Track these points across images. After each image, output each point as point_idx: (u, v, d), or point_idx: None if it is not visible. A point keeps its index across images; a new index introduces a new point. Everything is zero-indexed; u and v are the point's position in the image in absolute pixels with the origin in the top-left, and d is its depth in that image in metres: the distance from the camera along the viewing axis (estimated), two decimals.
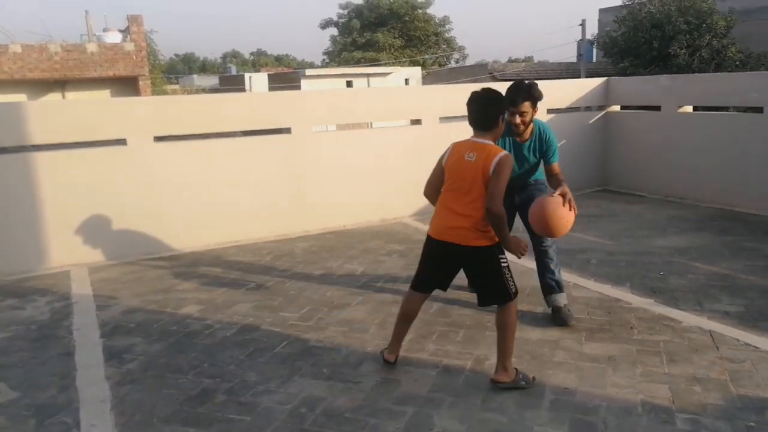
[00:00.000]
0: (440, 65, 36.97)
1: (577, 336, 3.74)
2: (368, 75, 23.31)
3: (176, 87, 33.80)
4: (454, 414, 2.92)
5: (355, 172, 6.76)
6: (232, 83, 26.75)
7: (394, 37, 36.47)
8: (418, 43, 37.21)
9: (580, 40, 24.60)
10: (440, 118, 7.22)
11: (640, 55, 19.44)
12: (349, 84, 22.19)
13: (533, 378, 3.16)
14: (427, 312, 4.18)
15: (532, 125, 3.88)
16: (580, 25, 24.53)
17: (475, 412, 2.93)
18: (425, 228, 6.48)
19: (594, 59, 24.89)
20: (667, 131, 7.57)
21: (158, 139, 5.93)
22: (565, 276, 4.80)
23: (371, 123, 7.48)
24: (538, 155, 3.97)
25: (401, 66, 28.05)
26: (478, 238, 3.01)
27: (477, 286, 3.25)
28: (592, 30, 25.86)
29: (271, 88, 22.58)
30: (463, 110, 3.20)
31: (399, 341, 3.40)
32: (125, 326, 4.14)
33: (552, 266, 3.97)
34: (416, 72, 24.22)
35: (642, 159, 7.90)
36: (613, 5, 23.68)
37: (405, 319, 3.37)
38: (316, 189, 6.58)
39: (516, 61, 41.71)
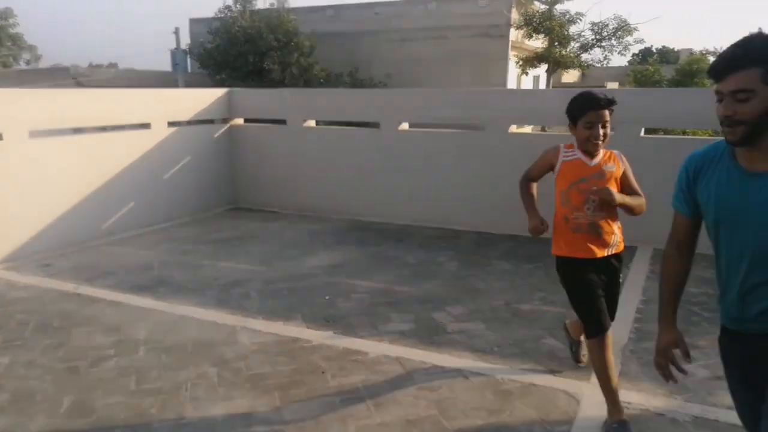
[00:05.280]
0: (5, 66, 30.89)
1: (270, 399, 3.08)
2: None
3: None
4: None
5: None
6: None
7: None
8: None
9: (175, 48, 23.70)
10: (29, 132, 5.56)
11: (237, 68, 19.83)
12: None
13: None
14: None
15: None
16: (174, 33, 23.66)
17: None
18: (24, 280, 4.87)
19: (189, 69, 24.30)
20: (294, 145, 7.54)
21: None
22: (234, 320, 4.13)
23: None
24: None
25: None
26: None
27: None
28: (185, 39, 25.19)
29: None
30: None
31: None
32: None
33: None
34: None
35: (271, 174, 7.70)
36: (205, 17, 23.48)
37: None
38: None
39: (99, 66, 37.96)
